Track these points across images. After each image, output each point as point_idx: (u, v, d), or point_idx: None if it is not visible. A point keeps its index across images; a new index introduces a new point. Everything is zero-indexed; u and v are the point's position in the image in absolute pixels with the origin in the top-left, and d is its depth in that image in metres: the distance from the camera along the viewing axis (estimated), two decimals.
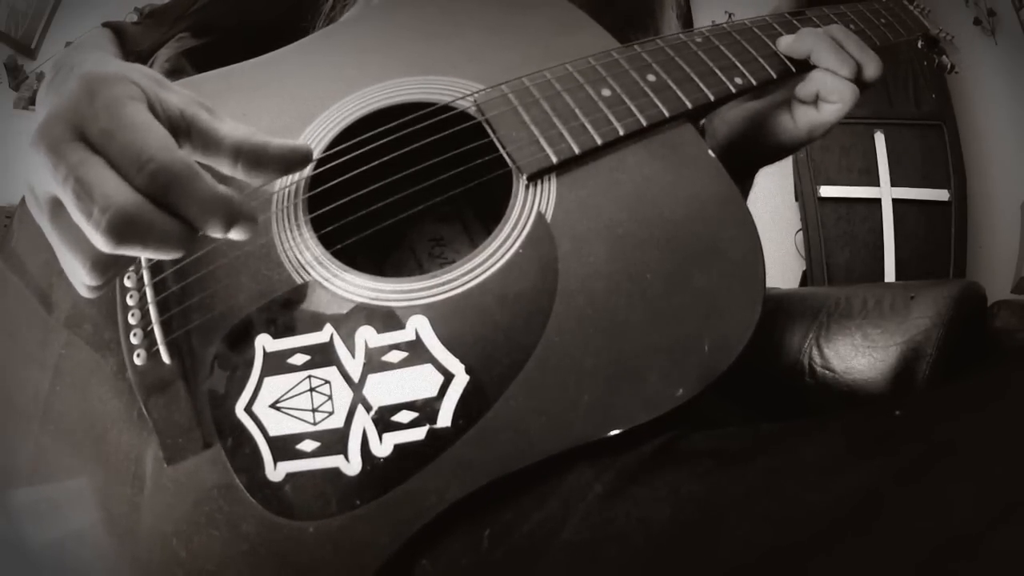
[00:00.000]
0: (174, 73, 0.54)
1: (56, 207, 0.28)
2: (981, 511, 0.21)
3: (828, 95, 0.45)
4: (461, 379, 0.33)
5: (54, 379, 0.39)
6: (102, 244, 0.27)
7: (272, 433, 0.34)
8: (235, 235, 0.29)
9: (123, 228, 0.26)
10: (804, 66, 0.46)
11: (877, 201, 1.87)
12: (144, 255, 0.28)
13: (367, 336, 0.35)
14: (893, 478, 0.24)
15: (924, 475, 0.23)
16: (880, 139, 1.88)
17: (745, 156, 0.54)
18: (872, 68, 0.45)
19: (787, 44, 0.46)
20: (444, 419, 0.32)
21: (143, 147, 0.27)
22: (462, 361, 0.33)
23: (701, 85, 0.42)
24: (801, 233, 1.94)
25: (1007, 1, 1.92)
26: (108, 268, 0.29)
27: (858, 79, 0.45)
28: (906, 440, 0.25)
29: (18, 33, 2.18)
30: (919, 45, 0.63)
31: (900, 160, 1.88)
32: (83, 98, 0.28)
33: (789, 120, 0.48)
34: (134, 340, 0.38)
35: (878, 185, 1.87)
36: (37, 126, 0.28)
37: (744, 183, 0.58)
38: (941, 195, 1.84)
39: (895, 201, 1.85)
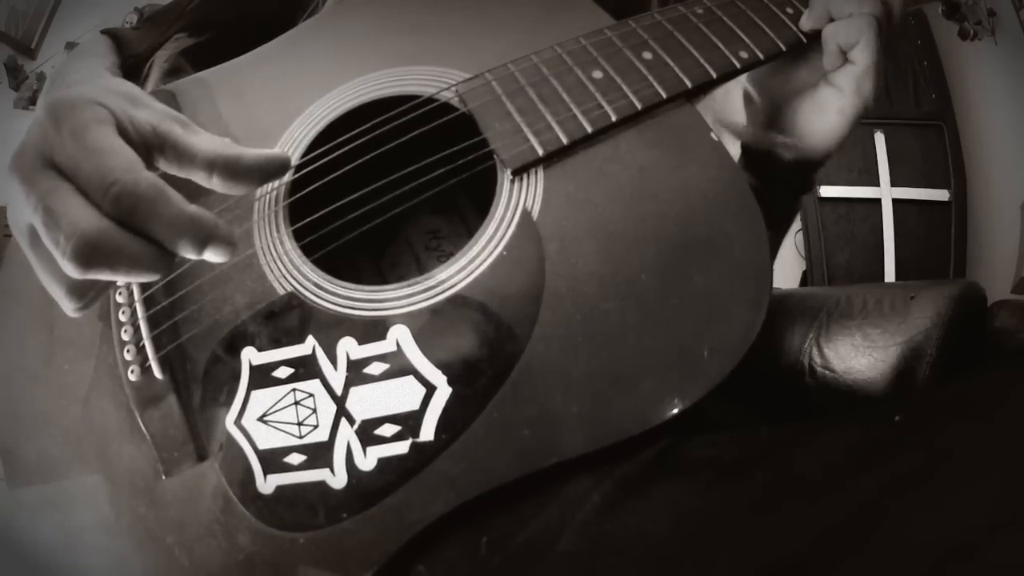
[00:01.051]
0: (173, 73, 0.54)
1: (34, 234, 0.29)
2: (981, 520, 0.20)
3: (847, 39, 0.41)
4: (443, 391, 0.32)
5: (59, 390, 0.39)
6: (71, 271, 0.27)
7: (261, 446, 0.34)
8: (211, 255, 0.28)
9: (88, 254, 0.26)
10: (815, 36, 0.43)
11: (877, 201, 1.86)
12: (117, 279, 0.28)
13: (348, 347, 0.34)
14: (892, 488, 0.23)
15: (923, 484, 0.23)
16: (880, 139, 1.88)
17: (797, 161, 0.48)
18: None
19: (806, 20, 0.43)
20: (427, 432, 0.32)
21: (107, 171, 0.27)
22: (444, 372, 0.32)
23: (702, 61, 0.39)
24: (801, 233, 1.93)
25: (1007, 1, 1.92)
26: (85, 292, 0.29)
27: (888, 15, 0.41)
28: (905, 448, 0.25)
29: (18, 33, 2.19)
30: (940, 11, 0.60)
31: (900, 160, 1.87)
32: (49, 126, 0.28)
33: (832, 91, 0.44)
34: (128, 356, 0.37)
35: (878, 185, 1.87)
36: (12, 156, 0.28)
37: (797, 201, 0.53)
38: (941, 195, 1.83)
39: (895, 201, 1.85)
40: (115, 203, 0.27)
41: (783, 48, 0.42)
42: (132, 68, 0.54)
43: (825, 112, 0.45)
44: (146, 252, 0.28)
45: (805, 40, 0.43)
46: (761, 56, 0.41)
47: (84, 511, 0.36)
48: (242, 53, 0.48)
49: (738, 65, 0.40)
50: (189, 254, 0.28)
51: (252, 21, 0.55)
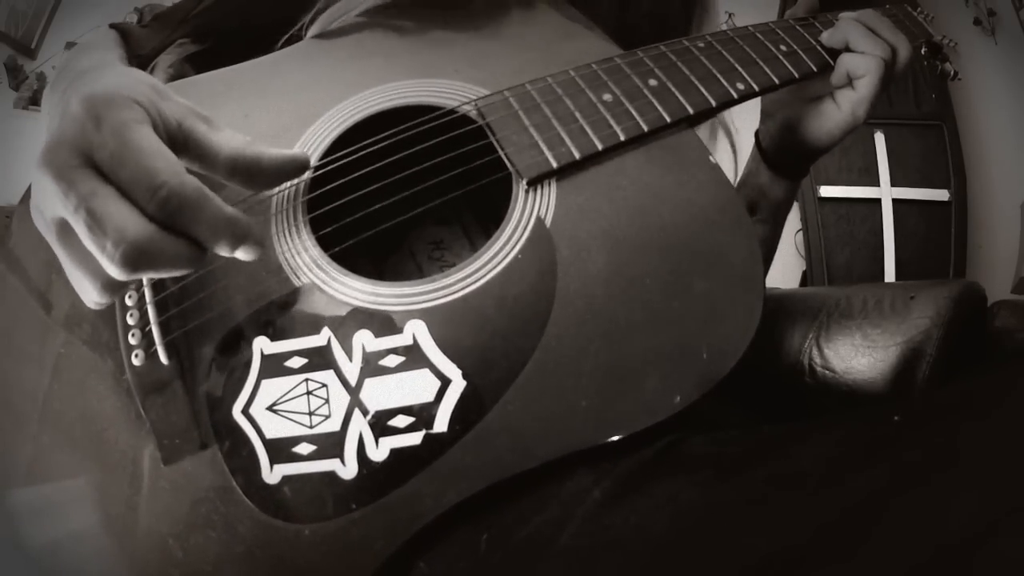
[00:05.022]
0: (176, 79, 0.54)
1: (64, 228, 0.29)
2: (980, 517, 0.21)
3: (855, 71, 0.49)
4: (458, 384, 0.33)
5: (52, 379, 0.39)
6: (116, 274, 0.27)
7: (269, 436, 0.34)
8: (242, 255, 0.29)
9: (136, 259, 0.27)
10: (809, 74, 0.48)
11: (877, 201, 1.87)
12: (156, 276, 0.28)
13: (365, 340, 0.35)
14: (892, 485, 0.23)
15: (923, 482, 0.23)
16: (880, 139, 1.88)
17: (796, 152, 0.57)
18: (904, 49, 0.50)
19: (827, 36, 0.51)
20: (441, 424, 0.32)
21: (154, 173, 0.27)
22: (459, 366, 0.33)
23: (703, 90, 0.43)
24: (801, 233, 1.94)
25: (1007, 1, 1.92)
26: (120, 288, 0.30)
27: (894, 61, 0.49)
28: (905, 447, 0.25)
29: (18, 33, 2.19)
30: (922, 51, 0.64)
31: (900, 160, 1.88)
32: (88, 123, 0.28)
33: (833, 106, 0.52)
34: (132, 340, 0.37)
35: (878, 185, 1.87)
36: (43, 149, 0.28)
37: (798, 181, 0.63)
38: (941, 195, 1.84)
39: (895, 201, 1.86)
40: (161, 205, 0.27)
41: (776, 82, 0.46)
42: (137, 68, 0.54)
43: (824, 120, 0.53)
44: (186, 252, 0.28)
45: (797, 76, 0.47)
46: (756, 88, 0.44)
47: (77, 505, 0.36)
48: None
49: (735, 95, 0.43)
50: (224, 253, 0.29)
51: (257, 31, 0.55)
